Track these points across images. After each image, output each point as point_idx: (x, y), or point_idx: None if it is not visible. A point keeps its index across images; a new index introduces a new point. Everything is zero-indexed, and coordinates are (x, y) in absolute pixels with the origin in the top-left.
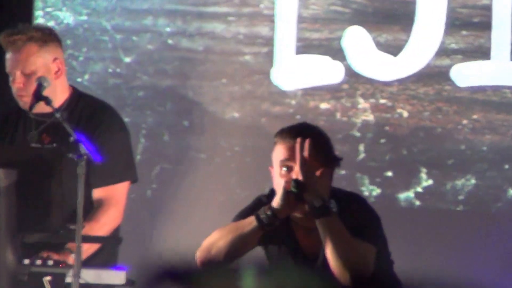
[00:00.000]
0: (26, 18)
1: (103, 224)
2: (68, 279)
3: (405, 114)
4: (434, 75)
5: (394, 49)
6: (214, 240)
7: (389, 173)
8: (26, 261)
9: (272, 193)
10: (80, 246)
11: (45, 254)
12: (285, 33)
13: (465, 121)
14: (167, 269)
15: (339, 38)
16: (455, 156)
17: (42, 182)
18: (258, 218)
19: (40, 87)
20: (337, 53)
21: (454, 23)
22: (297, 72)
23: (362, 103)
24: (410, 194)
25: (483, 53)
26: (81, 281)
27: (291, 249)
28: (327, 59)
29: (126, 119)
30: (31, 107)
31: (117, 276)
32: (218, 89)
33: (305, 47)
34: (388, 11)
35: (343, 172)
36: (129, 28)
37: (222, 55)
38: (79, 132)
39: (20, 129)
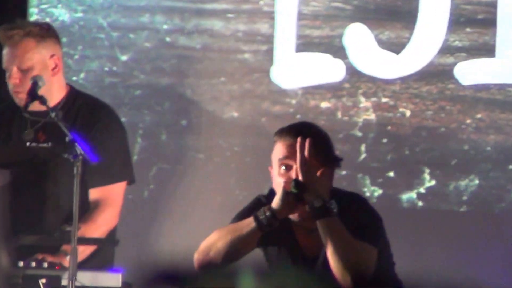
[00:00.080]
0: (21, 15)
1: (99, 225)
2: (64, 282)
3: (408, 113)
4: (437, 73)
5: (396, 46)
6: (213, 241)
7: (391, 174)
8: (21, 264)
9: (271, 193)
10: (76, 248)
11: (40, 256)
12: (285, 31)
13: (468, 121)
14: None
15: (340, 36)
16: (459, 156)
17: (37, 183)
18: (257, 219)
19: (35, 86)
20: (338, 51)
21: (458, 20)
22: (297, 71)
23: (364, 102)
24: (413, 194)
25: (487, 50)
26: (77, 283)
27: (291, 250)
28: (328, 57)
29: (122, 119)
30: (26, 106)
31: (113, 279)
32: (216, 87)
33: (305, 44)
34: (390, 8)
35: (344, 172)
36: (125, 25)
37: (221, 53)
38: (75, 131)
39: (15, 127)
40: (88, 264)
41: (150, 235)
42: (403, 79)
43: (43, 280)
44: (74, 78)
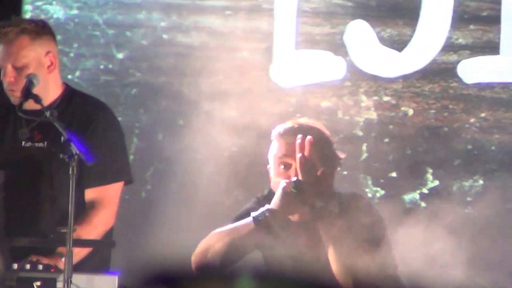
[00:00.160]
0: (15, 12)
1: (95, 226)
2: (59, 284)
3: (410, 112)
4: (440, 71)
5: (398, 44)
6: (210, 243)
7: (393, 174)
8: (15, 266)
9: (270, 193)
10: (71, 250)
11: (34, 258)
12: (285, 28)
13: (472, 120)
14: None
15: (341, 33)
16: (462, 156)
17: (32, 183)
18: (256, 220)
19: (29, 84)
20: (339, 49)
21: (462, 17)
22: (297, 69)
23: (365, 101)
24: (415, 195)
25: (491, 48)
26: (73, 286)
27: (291, 252)
28: (328, 54)
29: (118, 118)
30: (21, 104)
31: (109, 281)
32: (215, 86)
33: (305, 42)
34: (392, 5)
35: (345, 172)
36: (122, 22)
37: (219, 51)
38: (71, 130)
39: (10, 126)
40: (84, 266)
41: (147, 236)
42: (405, 78)
43: (38, 283)
44: (69, 77)
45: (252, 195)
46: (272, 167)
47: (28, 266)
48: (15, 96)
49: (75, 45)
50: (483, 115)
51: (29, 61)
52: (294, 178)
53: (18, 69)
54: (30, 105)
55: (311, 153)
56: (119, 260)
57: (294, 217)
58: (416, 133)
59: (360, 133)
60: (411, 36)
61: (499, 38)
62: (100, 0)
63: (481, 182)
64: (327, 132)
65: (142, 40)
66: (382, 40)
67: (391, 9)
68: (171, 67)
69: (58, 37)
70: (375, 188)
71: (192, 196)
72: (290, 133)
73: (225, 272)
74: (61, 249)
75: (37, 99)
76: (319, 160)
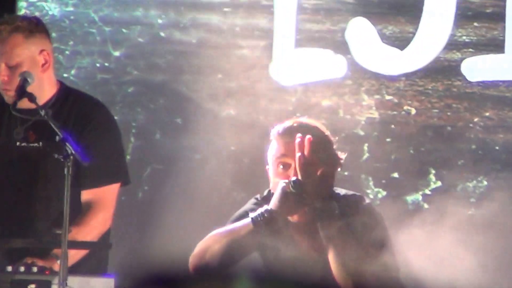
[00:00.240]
0: (9, 9)
1: (92, 228)
2: (54, 287)
3: (413, 111)
4: (443, 69)
5: (400, 42)
6: (208, 244)
7: (396, 174)
8: (9, 268)
9: (269, 194)
10: (67, 252)
11: (29, 260)
12: (285, 25)
13: (476, 119)
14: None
15: (342, 30)
16: (466, 156)
17: (26, 183)
18: (254, 221)
19: (24, 82)
20: (340, 47)
21: (465, 14)
22: (297, 67)
23: (367, 100)
24: (418, 196)
25: (496, 46)
26: None
27: (290, 254)
28: (329, 52)
29: (115, 117)
30: (15, 103)
31: (105, 284)
32: (213, 84)
33: (305, 40)
34: (394, 2)
35: (346, 173)
36: (118, 19)
37: (218, 49)
38: (67, 130)
39: (4, 125)
40: (80, 268)
41: (144, 238)
42: (407, 76)
43: (33, 286)
44: (65, 75)
45: (251, 195)
46: (271, 168)
47: (22, 268)
48: (9, 95)
49: (71, 43)
50: (487, 114)
51: (22, 60)
52: (293, 178)
53: (12, 68)
54: (25, 104)
55: (311, 152)
56: (115, 262)
57: (294, 218)
58: (418, 132)
59: (362, 133)
60: (414, 34)
61: (503, 35)
62: None
63: (485, 182)
64: (327, 132)
65: (139, 38)
66: (384, 38)
67: (393, 6)
68: (168, 65)
69: (54, 35)
70: (376, 189)
71: (190, 197)
72: (289, 133)
73: (223, 274)
74: (56, 251)
75: (32, 98)
76: (319, 159)
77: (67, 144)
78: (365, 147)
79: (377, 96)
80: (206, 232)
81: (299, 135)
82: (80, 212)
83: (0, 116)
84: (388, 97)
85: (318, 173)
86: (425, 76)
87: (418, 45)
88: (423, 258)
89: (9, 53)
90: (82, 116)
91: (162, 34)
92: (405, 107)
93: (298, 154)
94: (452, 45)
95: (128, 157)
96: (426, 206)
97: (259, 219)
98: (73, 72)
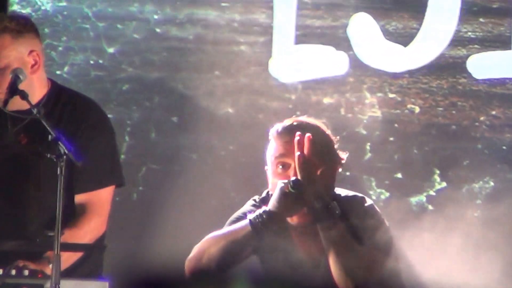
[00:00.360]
0: (0, 4)
1: (86, 233)
2: None
3: (416, 109)
4: (448, 66)
5: (404, 38)
6: (205, 247)
7: (399, 175)
8: (0, 271)
9: (267, 195)
10: (59, 255)
11: (20, 263)
12: (285, 20)
13: (482, 117)
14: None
15: (343, 26)
16: (472, 156)
17: (18, 184)
18: (252, 223)
19: (15, 80)
20: (342, 43)
21: (471, 9)
22: (297, 64)
23: (369, 98)
24: (422, 197)
25: (502, 42)
26: None
27: (289, 257)
28: (330, 49)
29: (109, 115)
30: (6, 102)
31: (100, 287)
32: (210, 82)
33: (306, 36)
34: None
35: (348, 173)
36: (113, 15)
37: (215, 45)
38: (59, 130)
39: None
40: (74, 272)
41: (139, 240)
42: (411, 73)
43: None
44: (58, 72)
45: (250, 196)
46: (270, 168)
47: (13, 272)
48: None
49: (64, 39)
50: (493, 112)
51: (10, 61)
52: (293, 178)
53: (0, 70)
54: (16, 105)
55: (311, 151)
56: (109, 265)
57: (293, 220)
58: (422, 131)
59: (364, 132)
60: (418, 30)
61: (510, 31)
62: None
63: (491, 183)
64: (327, 130)
65: (134, 34)
66: (387, 34)
67: (397, 1)
68: (164, 62)
69: (46, 30)
70: (379, 190)
71: (187, 198)
72: (288, 132)
73: (220, 277)
74: (48, 254)
75: (24, 95)
76: (319, 159)
77: (60, 143)
78: (367, 146)
79: (379, 94)
80: (203, 234)
81: (298, 133)
82: (74, 214)
83: None
84: (391, 95)
85: (318, 173)
86: (429, 73)
87: (422, 41)
88: (428, 261)
89: None
90: (74, 117)
91: (158, 30)
92: (409, 105)
93: (297, 154)
94: (457, 41)
95: (122, 156)
96: (430, 207)
97: (257, 220)
98: (66, 69)
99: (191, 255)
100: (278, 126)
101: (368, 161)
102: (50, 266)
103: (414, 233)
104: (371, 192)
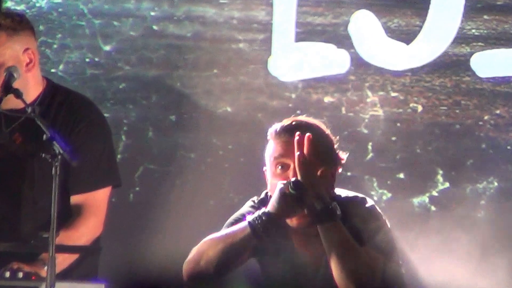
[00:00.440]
0: None
1: (82, 234)
2: None
3: (419, 108)
4: (451, 64)
5: (406, 35)
6: (203, 250)
7: (401, 175)
8: None
9: (266, 197)
10: (54, 257)
11: (15, 266)
12: (285, 18)
13: (486, 117)
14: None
15: (345, 24)
16: (475, 156)
17: (12, 184)
18: (251, 225)
19: (9, 78)
20: (343, 41)
21: (475, 6)
22: (297, 62)
23: (371, 97)
24: (425, 198)
25: (507, 39)
26: None
27: (289, 259)
28: (331, 47)
29: (106, 114)
30: (0, 101)
31: None
32: (209, 80)
33: (306, 33)
34: None
35: (349, 173)
36: (109, 12)
37: (214, 43)
38: (54, 129)
39: None
40: (69, 274)
41: (135, 242)
42: (414, 71)
43: None
44: (53, 70)
45: (249, 197)
46: (269, 169)
47: (7, 274)
48: None
49: (59, 36)
50: (498, 111)
51: (5, 60)
52: (293, 179)
53: None
54: (10, 104)
55: (311, 151)
56: (105, 268)
57: (293, 221)
58: (425, 131)
59: (365, 131)
60: (420, 27)
61: None
62: None
63: (496, 184)
64: (327, 130)
65: (131, 31)
66: (389, 31)
67: None
68: (162, 60)
69: (41, 27)
70: (381, 191)
71: (185, 199)
72: (287, 132)
73: (219, 281)
74: (43, 256)
75: (18, 94)
76: (319, 159)
77: (55, 143)
78: (369, 146)
79: (381, 93)
80: (201, 236)
81: (298, 133)
82: (69, 216)
83: None
84: (393, 94)
85: (319, 173)
86: (432, 72)
87: (425, 39)
88: (431, 264)
89: None
90: (70, 116)
91: (155, 27)
92: (411, 104)
93: (297, 154)
94: (461, 38)
95: (118, 156)
96: (433, 208)
97: (256, 222)
98: (61, 67)
99: (188, 258)
100: (277, 126)
101: (369, 161)
102: (45, 268)
103: (416, 235)
104: (372, 193)
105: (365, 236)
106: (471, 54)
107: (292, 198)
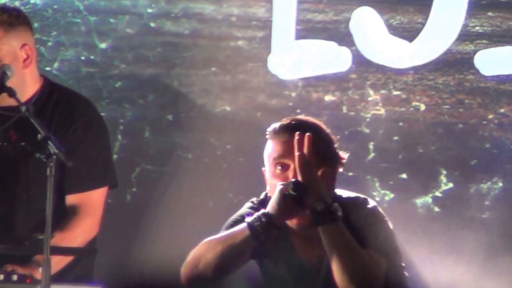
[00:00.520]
0: None
1: (77, 235)
2: None
3: (422, 107)
4: (455, 62)
5: (409, 33)
6: (202, 252)
7: (404, 175)
8: None
9: (266, 197)
10: (49, 259)
11: (9, 268)
12: (284, 15)
13: (490, 116)
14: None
15: (346, 21)
16: (479, 156)
17: (5, 185)
18: (251, 226)
19: (3, 76)
20: (344, 38)
21: (479, 3)
22: (297, 60)
23: (372, 95)
24: (428, 199)
25: (511, 37)
26: None
27: (289, 261)
28: (332, 44)
29: (101, 114)
30: None
31: None
32: (207, 78)
33: (307, 30)
34: None
35: (350, 174)
36: (105, 9)
37: (212, 40)
38: (50, 129)
39: None
40: (64, 277)
41: (132, 244)
42: (416, 69)
43: None
44: (47, 68)
45: (248, 197)
46: (268, 169)
47: (1, 277)
48: None
49: (54, 34)
50: (502, 110)
51: (2, 55)
52: (293, 180)
53: None
54: (4, 101)
55: (311, 151)
56: (102, 270)
57: (293, 222)
58: (428, 130)
59: (367, 131)
60: (423, 24)
61: None
62: None
63: (500, 184)
64: (327, 129)
65: (127, 28)
66: (391, 29)
67: None
68: (159, 58)
69: (35, 25)
70: (383, 191)
71: (182, 200)
72: (287, 131)
73: (217, 284)
74: (38, 258)
75: (11, 92)
76: (319, 159)
77: (50, 143)
78: (371, 146)
79: (383, 91)
80: (199, 238)
81: (297, 132)
82: (65, 217)
83: None
84: (395, 92)
85: (319, 173)
86: (435, 70)
87: (428, 36)
88: (434, 265)
89: None
90: (67, 115)
91: (152, 24)
92: (414, 103)
93: (297, 154)
94: (465, 36)
95: (115, 156)
96: (436, 209)
97: (256, 224)
98: (55, 65)
99: (186, 261)
100: (276, 126)
101: (371, 161)
102: (40, 270)
103: (419, 236)
104: (374, 193)
105: (367, 238)
106: (475, 52)
107: (292, 199)
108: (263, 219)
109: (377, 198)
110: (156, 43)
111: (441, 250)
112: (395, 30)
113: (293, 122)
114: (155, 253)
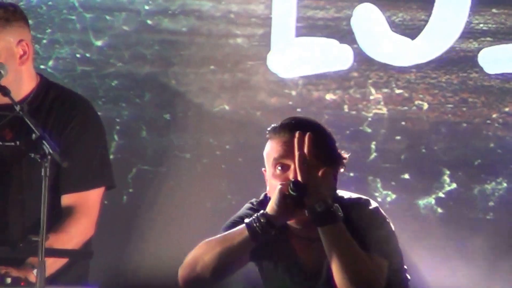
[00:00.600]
0: None
1: (73, 236)
2: None
3: (425, 106)
4: (458, 60)
5: (411, 30)
6: (200, 254)
7: (406, 176)
8: None
9: (266, 198)
10: (44, 261)
11: (2, 270)
12: (284, 12)
13: (495, 115)
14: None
15: (347, 18)
16: (483, 156)
17: (0, 185)
18: (250, 228)
19: None
20: (345, 35)
21: (483, 0)
22: (298, 58)
23: (374, 94)
24: (431, 200)
25: None
26: None
27: (289, 263)
28: (333, 42)
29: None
30: None
31: None
32: (205, 77)
33: (307, 28)
34: None
35: (352, 174)
36: (101, 5)
37: (210, 38)
38: (46, 128)
39: None
40: (59, 279)
41: (129, 245)
42: (419, 68)
43: None
44: (42, 66)
45: (248, 198)
46: (268, 169)
47: None
48: None
49: (49, 31)
50: (507, 109)
51: None
52: (293, 180)
53: None
54: (0, 99)
55: (311, 151)
56: (97, 272)
57: (293, 223)
58: (431, 129)
59: (369, 130)
60: (426, 21)
61: None
62: None
63: (505, 184)
64: (328, 129)
65: (124, 26)
66: (394, 26)
67: None
68: (156, 56)
69: (30, 22)
70: (385, 192)
71: (180, 201)
72: (287, 130)
73: (216, 286)
74: (32, 260)
75: (5, 91)
76: (320, 159)
77: (45, 142)
78: (373, 145)
79: (385, 90)
80: (197, 240)
81: (298, 132)
82: (60, 218)
83: None
84: (397, 91)
85: (320, 173)
86: (438, 68)
87: (430, 33)
88: (437, 267)
89: None
90: (64, 114)
91: (149, 21)
92: (417, 102)
93: (297, 154)
94: (469, 33)
95: (111, 156)
96: (440, 210)
97: (255, 225)
98: (50, 63)
99: (184, 263)
100: (276, 125)
101: (373, 161)
102: (34, 272)
103: (422, 238)
104: (376, 194)
105: (368, 240)
106: (479, 49)
107: (292, 200)
108: (262, 220)
109: (379, 199)
110: (153, 40)
111: (445, 252)
112: (397, 27)
113: (293, 121)
114: (152, 255)
